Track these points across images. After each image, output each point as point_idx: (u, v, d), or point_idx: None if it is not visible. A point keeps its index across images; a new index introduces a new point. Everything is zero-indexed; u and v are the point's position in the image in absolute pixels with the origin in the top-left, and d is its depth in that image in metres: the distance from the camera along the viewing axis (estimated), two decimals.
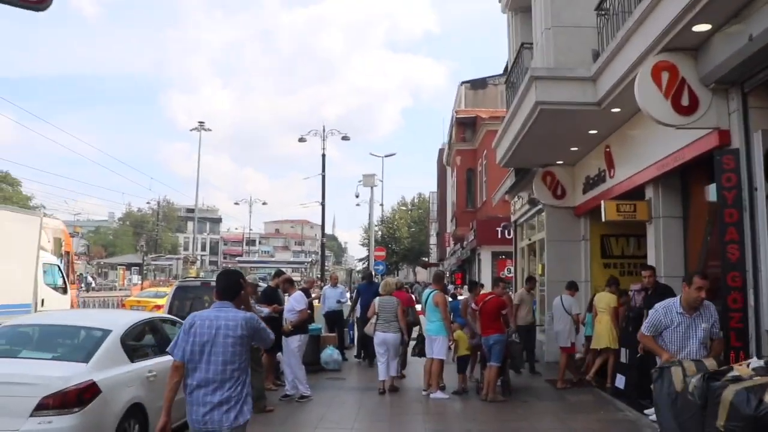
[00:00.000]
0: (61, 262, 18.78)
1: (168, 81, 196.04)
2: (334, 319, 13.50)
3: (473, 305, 9.65)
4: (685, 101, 7.21)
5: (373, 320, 9.98)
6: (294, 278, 11.47)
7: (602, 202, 9.78)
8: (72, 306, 16.75)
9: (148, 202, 74.14)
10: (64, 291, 16.38)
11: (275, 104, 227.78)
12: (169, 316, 8.78)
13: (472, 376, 10.73)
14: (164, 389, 4.15)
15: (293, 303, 9.19)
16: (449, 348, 9.83)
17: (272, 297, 9.76)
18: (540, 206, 14.02)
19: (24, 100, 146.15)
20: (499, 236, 25.25)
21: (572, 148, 12.07)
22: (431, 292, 9.66)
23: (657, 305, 5.54)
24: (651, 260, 9.29)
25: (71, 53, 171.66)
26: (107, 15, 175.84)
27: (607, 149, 11.10)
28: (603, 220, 9.67)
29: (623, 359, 9.20)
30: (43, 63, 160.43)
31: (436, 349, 9.42)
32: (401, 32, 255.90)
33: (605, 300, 9.84)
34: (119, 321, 6.74)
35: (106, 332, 6.21)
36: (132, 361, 6.27)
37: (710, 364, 4.70)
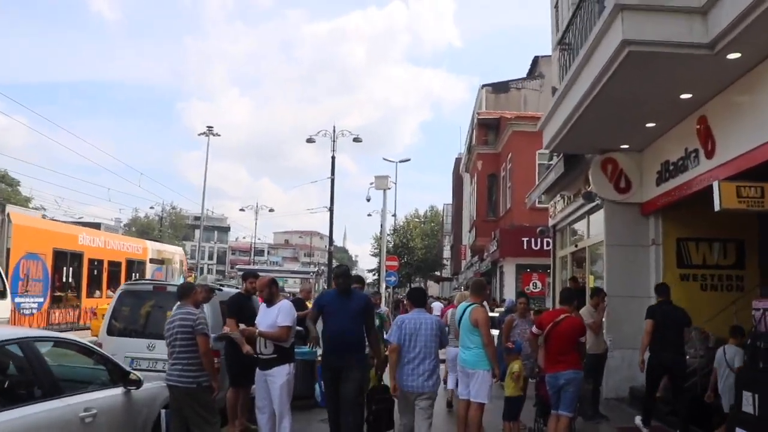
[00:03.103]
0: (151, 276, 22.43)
1: (186, 90, 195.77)
2: None
3: (534, 328, 6.82)
4: None
5: None
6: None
7: (715, 183, 6.95)
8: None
9: (151, 207, 71.28)
10: (2, 295, 14.05)
11: (293, 115, 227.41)
12: (63, 336, 5.64)
13: (522, 425, 7.98)
14: None
15: (276, 315, 6.24)
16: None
17: (242, 308, 6.98)
18: (596, 203, 11.23)
19: (40, 104, 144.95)
20: (525, 247, 23.04)
21: (648, 125, 9.31)
22: (468, 306, 6.86)
23: None
24: None
25: (89, 59, 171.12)
26: (127, 22, 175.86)
27: (700, 125, 8.36)
28: (718, 208, 6.86)
29: (747, 407, 6.35)
30: (60, 68, 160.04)
31: (476, 388, 6.54)
32: (423, 46, 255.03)
33: None
34: None
35: None
36: None
37: None
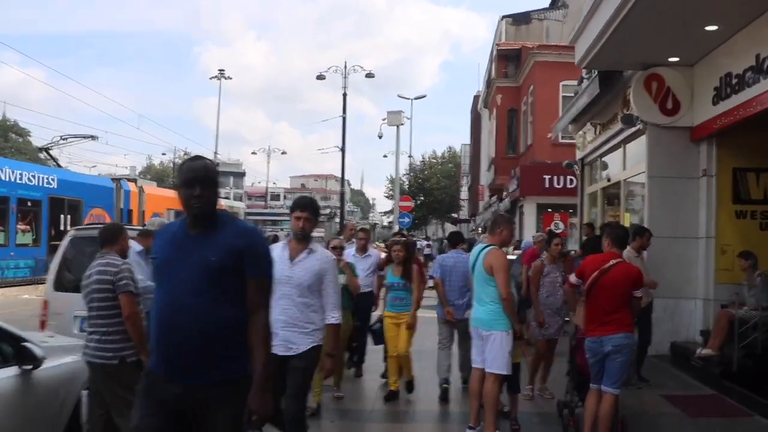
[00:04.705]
0: None
1: (201, 35, 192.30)
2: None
3: (573, 277, 5.29)
4: None
5: None
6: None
7: None
8: None
9: (163, 153, 69.38)
10: None
11: (311, 58, 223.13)
12: None
13: (544, 389, 6.62)
14: None
15: None
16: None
17: None
18: (637, 128, 9.53)
19: (55, 57, 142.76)
20: (547, 185, 21.53)
21: (708, 27, 7.55)
22: (483, 249, 5.39)
23: None
24: None
25: (100, 10, 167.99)
26: None
27: None
28: None
29: None
30: (72, 20, 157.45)
31: (492, 354, 5.10)
32: None
33: None
34: None
35: None
36: None
37: None
